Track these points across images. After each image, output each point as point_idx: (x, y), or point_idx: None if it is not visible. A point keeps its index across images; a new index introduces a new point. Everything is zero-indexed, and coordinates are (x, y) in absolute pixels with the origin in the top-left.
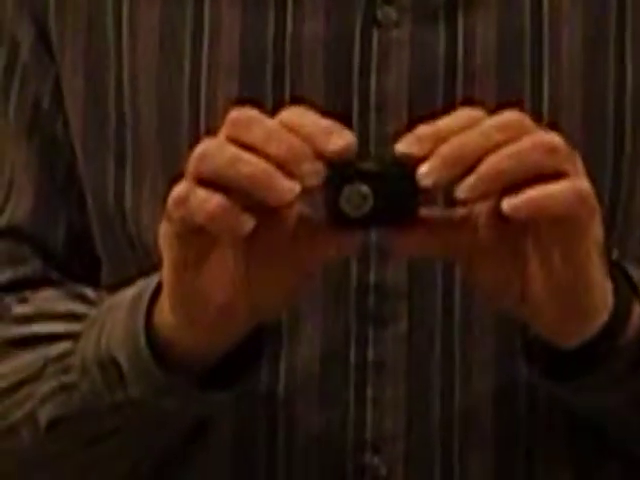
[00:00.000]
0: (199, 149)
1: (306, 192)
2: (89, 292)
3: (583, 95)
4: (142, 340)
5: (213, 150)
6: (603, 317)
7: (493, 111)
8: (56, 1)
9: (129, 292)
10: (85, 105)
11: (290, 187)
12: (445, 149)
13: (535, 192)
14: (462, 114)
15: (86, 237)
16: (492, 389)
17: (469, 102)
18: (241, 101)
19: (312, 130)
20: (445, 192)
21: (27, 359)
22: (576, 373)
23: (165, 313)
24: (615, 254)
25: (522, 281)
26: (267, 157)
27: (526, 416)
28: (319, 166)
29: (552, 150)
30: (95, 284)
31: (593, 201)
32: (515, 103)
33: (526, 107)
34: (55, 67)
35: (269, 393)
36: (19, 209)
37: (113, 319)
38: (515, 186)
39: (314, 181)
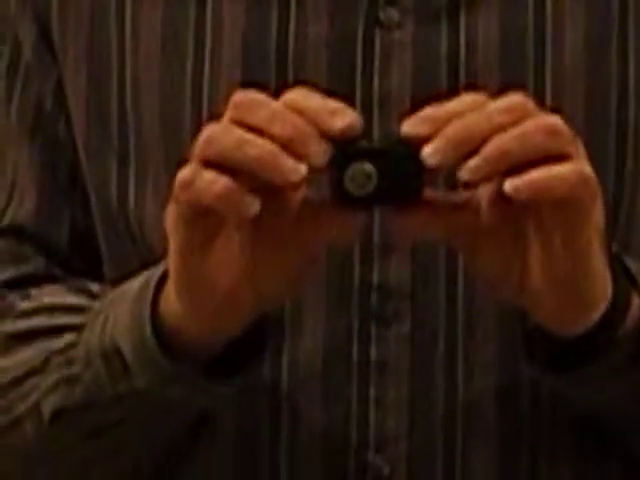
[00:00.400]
0: (205, 132)
1: (312, 172)
2: (93, 286)
3: (586, 93)
4: (148, 329)
5: (219, 133)
6: (602, 307)
7: (497, 95)
8: (58, 3)
9: (134, 283)
10: (87, 105)
11: (296, 167)
12: (450, 130)
13: (537, 173)
14: (467, 98)
15: (89, 235)
16: (495, 388)
17: (472, 87)
18: (245, 84)
19: (316, 110)
20: (447, 175)
21: (31, 352)
22: (575, 364)
23: (171, 301)
24: (615, 247)
25: (522, 268)
26: (272, 138)
27: (529, 415)
28: (324, 146)
29: (555, 132)
30: (98, 282)
31: (595, 184)
32: (519, 86)
33: (528, 88)
34: (57, 67)
35: (272, 388)
36: (22, 209)
37: (118, 310)
38: (518, 168)
39: (320, 161)
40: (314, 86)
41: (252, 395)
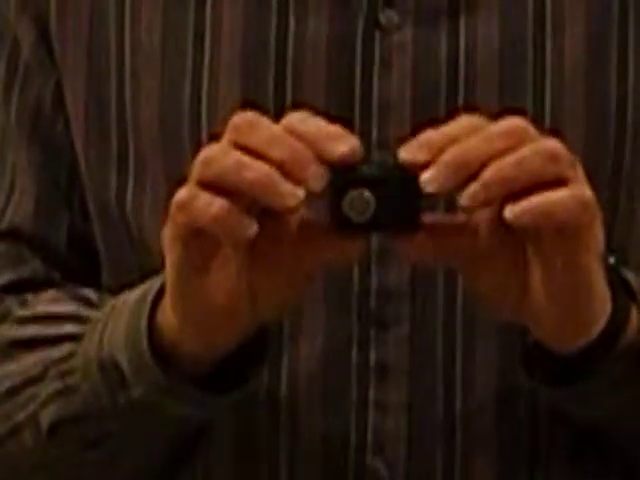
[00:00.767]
0: (203, 154)
1: (309, 197)
2: (91, 294)
3: (585, 95)
4: (144, 342)
5: (217, 155)
6: (602, 323)
7: (495, 117)
8: (57, 4)
9: (132, 294)
10: (86, 107)
11: (294, 192)
12: (448, 156)
13: (537, 200)
14: (464, 121)
15: (87, 239)
16: (494, 391)
17: (471, 109)
18: (244, 105)
19: (316, 135)
20: (446, 198)
21: (29, 361)
22: (574, 379)
23: (168, 315)
24: (612, 260)
25: (522, 288)
26: (270, 161)
27: (528, 418)
28: (322, 170)
29: (554, 157)
30: (96, 286)
31: (595, 208)
32: (517, 109)
33: (528, 110)
34: (56, 69)
35: (271, 395)
36: (20, 211)
37: (115, 321)
38: (517, 193)
39: (317, 186)
40: (313, 108)
41: (251, 402)
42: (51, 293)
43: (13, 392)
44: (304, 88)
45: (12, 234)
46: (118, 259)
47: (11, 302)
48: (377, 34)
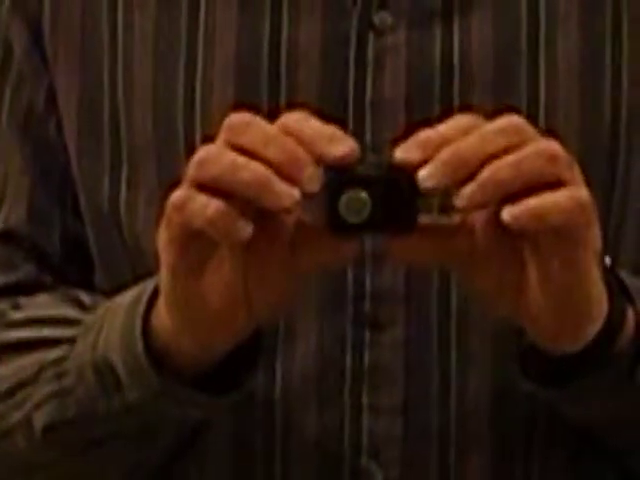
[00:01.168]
0: (198, 155)
1: (305, 197)
2: (84, 297)
3: (579, 96)
4: (139, 344)
5: (213, 156)
6: (598, 324)
7: (491, 116)
8: (50, 7)
9: (126, 296)
10: (79, 109)
11: (290, 193)
12: (445, 154)
13: (535, 202)
14: (460, 120)
15: (81, 241)
16: (489, 393)
17: (466, 108)
18: (238, 106)
19: (313, 136)
20: (441, 199)
21: (23, 364)
22: (570, 380)
23: (162, 317)
24: (608, 260)
25: (519, 287)
26: (266, 162)
27: (523, 420)
28: (318, 171)
29: (552, 158)
30: (90, 288)
31: (592, 210)
32: (512, 109)
33: (522, 110)
34: (49, 72)
35: (266, 397)
36: (12, 214)
37: (110, 324)
38: (514, 194)
39: (313, 186)
40: (308, 108)
41: (246, 404)
42: (44, 296)
43: (6, 395)
44: (298, 90)
45: (5, 237)
46: (111, 261)
47: (4, 305)
48: (371, 35)
